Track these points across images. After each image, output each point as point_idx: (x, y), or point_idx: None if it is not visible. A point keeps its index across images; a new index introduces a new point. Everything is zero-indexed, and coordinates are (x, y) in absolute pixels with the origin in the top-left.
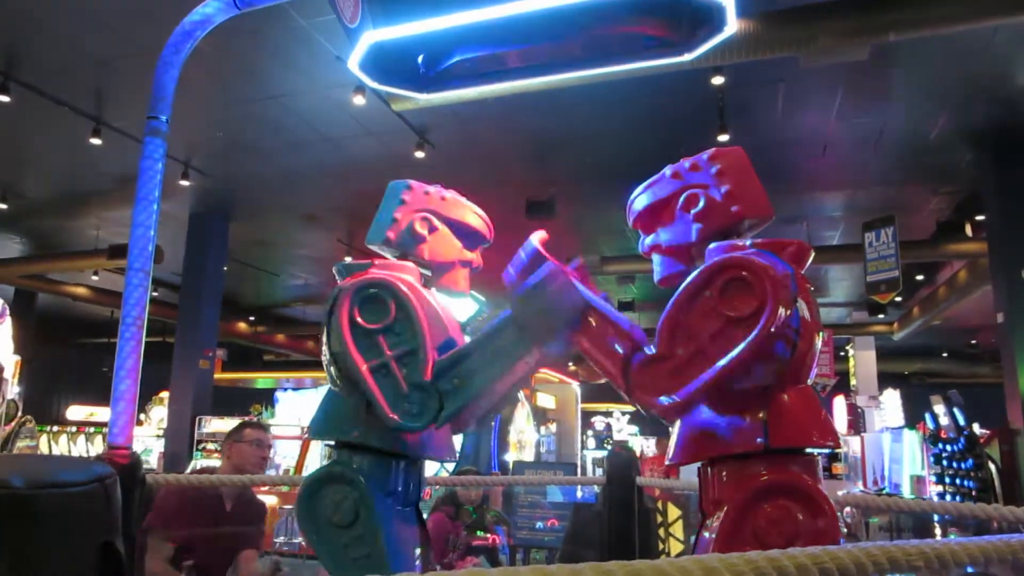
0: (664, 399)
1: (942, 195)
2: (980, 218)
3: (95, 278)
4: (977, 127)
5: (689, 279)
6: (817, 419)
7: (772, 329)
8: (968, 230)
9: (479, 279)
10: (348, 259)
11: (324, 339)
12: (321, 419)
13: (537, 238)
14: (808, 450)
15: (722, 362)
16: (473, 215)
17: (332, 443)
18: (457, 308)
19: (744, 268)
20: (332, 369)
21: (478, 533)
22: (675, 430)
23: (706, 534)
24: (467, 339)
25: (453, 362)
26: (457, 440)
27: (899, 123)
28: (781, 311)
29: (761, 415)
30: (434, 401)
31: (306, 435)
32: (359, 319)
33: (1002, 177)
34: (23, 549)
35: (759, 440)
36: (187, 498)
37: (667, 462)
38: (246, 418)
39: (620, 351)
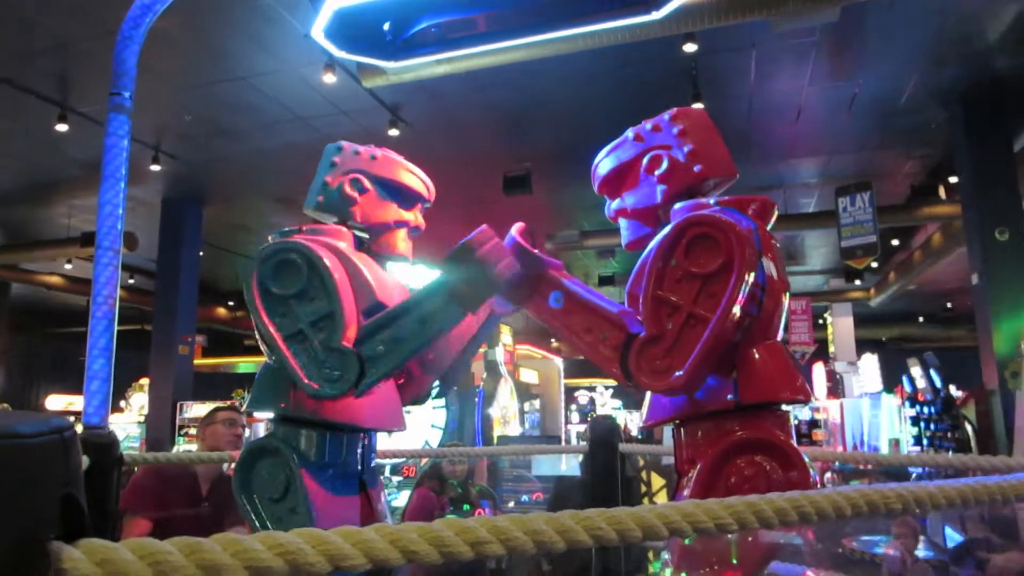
0: (670, 379)
1: (915, 159)
2: (953, 180)
3: (68, 267)
4: (947, 86)
5: (655, 242)
6: (787, 374)
7: (747, 278)
8: (942, 192)
9: None
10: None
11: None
12: (256, 393)
13: (516, 229)
14: (780, 406)
15: (712, 323)
16: (407, 173)
17: (272, 416)
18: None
19: (708, 224)
20: (261, 343)
21: (464, 507)
22: (648, 393)
23: (683, 493)
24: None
25: (377, 327)
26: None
27: (872, 86)
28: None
29: (731, 373)
30: (353, 365)
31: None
32: (271, 287)
33: (973, 137)
34: None
35: (729, 397)
36: (162, 478)
37: (641, 424)
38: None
39: (612, 343)
